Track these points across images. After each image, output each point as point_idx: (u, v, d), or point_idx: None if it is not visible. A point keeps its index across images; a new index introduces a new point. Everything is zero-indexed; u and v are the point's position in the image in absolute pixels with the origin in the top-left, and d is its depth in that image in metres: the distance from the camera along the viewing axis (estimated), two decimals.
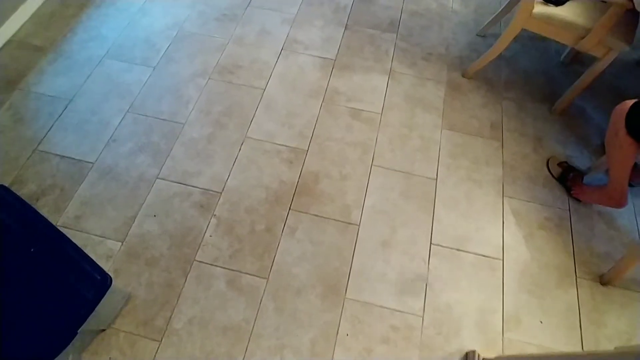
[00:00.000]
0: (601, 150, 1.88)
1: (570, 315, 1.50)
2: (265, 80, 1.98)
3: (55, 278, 1.19)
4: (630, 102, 1.41)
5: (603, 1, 1.62)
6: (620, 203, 1.60)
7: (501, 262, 1.58)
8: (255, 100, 1.91)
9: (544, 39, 1.77)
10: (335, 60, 2.08)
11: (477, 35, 2.24)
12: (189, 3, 2.28)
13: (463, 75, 2.07)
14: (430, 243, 1.60)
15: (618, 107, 1.45)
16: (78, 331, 1.20)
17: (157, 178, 1.68)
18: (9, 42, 2.08)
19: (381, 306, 1.46)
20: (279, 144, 1.79)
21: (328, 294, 1.48)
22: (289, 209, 1.63)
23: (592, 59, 1.74)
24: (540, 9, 1.64)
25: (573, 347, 1.45)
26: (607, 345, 1.46)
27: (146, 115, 1.85)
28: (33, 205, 1.30)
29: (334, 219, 1.62)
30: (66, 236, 1.27)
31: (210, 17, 2.22)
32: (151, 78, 1.97)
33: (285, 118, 1.86)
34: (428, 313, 1.47)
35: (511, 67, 2.12)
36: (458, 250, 1.59)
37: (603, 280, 1.57)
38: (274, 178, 1.70)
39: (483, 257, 1.59)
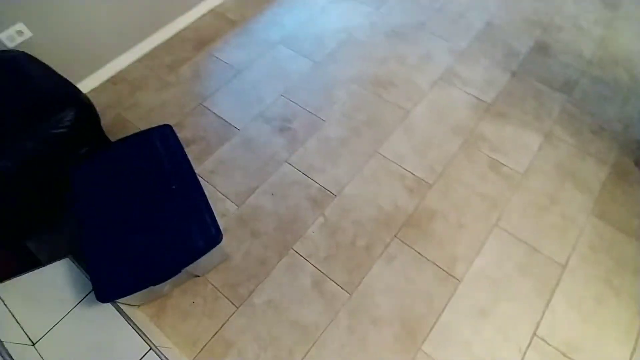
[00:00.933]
0: None
1: None
2: (413, 104, 1.97)
3: (181, 217, 1.36)
4: None
5: None
6: None
7: None
8: (398, 120, 1.92)
9: None
10: (490, 104, 1.96)
11: None
12: (366, 13, 2.38)
13: (636, 164, 1.77)
14: (534, 334, 1.41)
15: None
16: (182, 270, 1.35)
17: (286, 162, 1.80)
18: (211, 11, 2.44)
19: None
20: (406, 169, 1.76)
21: (404, 336, 1.41)
22: (395, 236, 1.60)
23: None
24: None
25: None
26: None
27: (296, 103, 1.99)
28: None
29: (436, 264, 1.53)
30: (201, 186, 1.43)
31: (381, 30, 2.29)
32: (311, 71, 2.12)
33: (421, 146, 1.83)
34: None
35: None
36: (564, 355, 1.37)
37: None
38: (390, 200, 1.68)
39: None
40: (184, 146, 1.52)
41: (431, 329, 1.42)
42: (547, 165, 1.77)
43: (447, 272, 1.52)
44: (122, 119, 1.97)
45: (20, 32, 1.69)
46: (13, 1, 1.62)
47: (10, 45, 1.69)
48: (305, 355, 1.38)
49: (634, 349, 1.38)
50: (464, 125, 1.89)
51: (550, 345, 1.39)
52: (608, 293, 1.48)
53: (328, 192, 1.71)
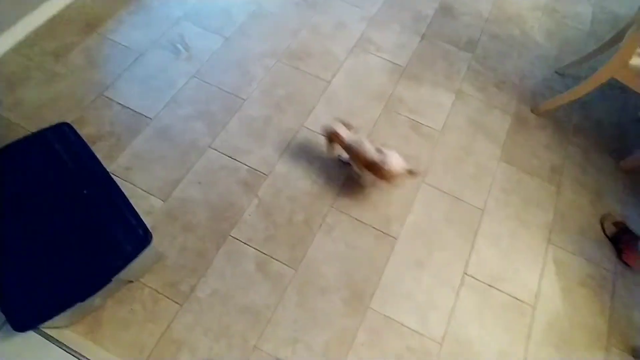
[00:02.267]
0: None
1: None
2: (332, 73, 1.96)
3: (101, 224, 1.23)
4: None
5: None
6: None
7: (532, 308, 1.52)
8: (318, 91, 1.90)
9: (624, 90, 1.67)
10: (405, 68, 2.04)
11: (555, 72, 2.14)
12: None
13: (532, 111, 1.99)
14: (464, 273, 1.56)
15: None
16: (111, 279, 1.23)
17: (209, 147, 1.70)
18: None
19: (402, 324, 1.44)
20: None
21: (352, 299, 1.46)
22: (331, 206, 1.62)
23: None
24: (638, 61, 1.54)
25: None
26: None
27: (210, 84, 1.87)
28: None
29: (373, 227, 1.60)
30: (118, 186, 1.30)
31: (291, 0, 2.22)
32: (222, 48, 1.99)
33: (344, 115, 1.84)
34: (447, 342, 1.43)
35: (584, 113, 2.02)
36: (490, 286, 1.54)
37: (636, 354, 1.49)
38: (322, 173, 1.69)
39: (514, 300, 1.53)
40: (90, 145, 1.36)
41: (376, 287, 1.49)
42: (460, 120, 1.91)
43: (384, 233, 1.59)
44: (7, 123, 1.69)
45: None
46: None
47: None
48: (259, 337, 1.37)
49: (542, 270, 1.60)
50: (383, 90, 1.95)
51: (478, 280, 1.55)
52: (519, 227, 1.68)
53: (259, 173, 1.66)
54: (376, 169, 1.47)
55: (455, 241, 1.61)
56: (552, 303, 1.54)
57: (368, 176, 1.53)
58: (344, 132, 1.51)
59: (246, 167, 1.67)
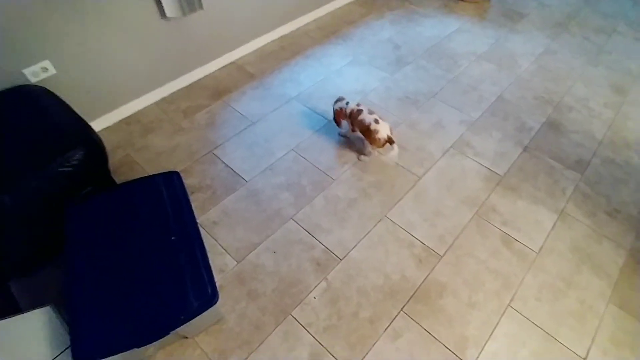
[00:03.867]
0: None
1: None
2: (424, 170, 1.95)
3: (177, 273, 1.27)
4: None
5: None
6: None
7: None
8: (408, 185, 1.89)
9: None
10: (502, 177, 1.94)
11: None
12: (381, 77, 2.46)
13: None
14: None
15: None
16: (170, 332, 1.24)
17: (292, 219, 1.74)
18: (231, 63, 2.52)
19: None
20: (415, 237, 1.70)
21: None
22: (401, 309, 1.49)
23: None
24: None
25: None
26: None
27: (306, 159, 1.98)
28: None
29: (445, 346, 1.41)
30: (202, 241, 1.36)
31: (394, 95, 2.35)
32: (323, 129, 2.13)
33: (431, 214, 1.78)
34: None
35: None
36: None
37: None
38: (398, 269, 1.60)
39: None
40: (189, 193, 1.49)
41: None
42: (562, 246, 1.71)
43: (457, 356, 1.40)
44: (131, 160, 1.95)
45: (45, 69, 1.72)
46: (43, 38, 1.66)
47: (34, 80, 1.71)
48: None
49: None
50: (475, 196, 1.86)
51: None
52: None
53: (333, 255, 1.63)
54: (368, 134, 1.82)
55: None
56: None
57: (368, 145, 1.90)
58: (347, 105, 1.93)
59: (322, 246, 1.66)
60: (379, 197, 1.84)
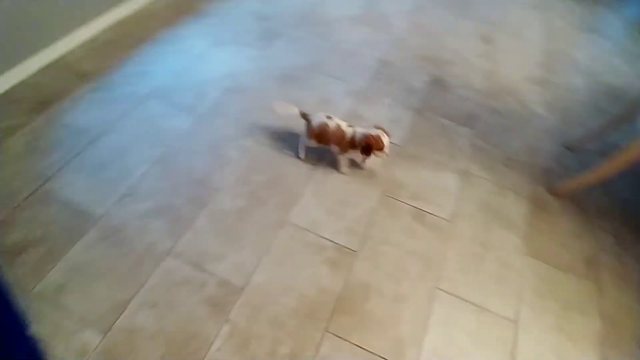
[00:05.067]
0: None
1: None
2: (318, 155, 1.70)
3: None
4: None
5: None
6: None
7: None
8: (305, 177, 1.62)
9: None
10: (401, 146, 1.80)
11: (564, 147, 1.94)
12: (252, 56, 2.10)
13: (549, 191, 1.74)
14: None
15: None
16: None
17: (169, 255, 1.35)
18: (55, 62, 1.90)
19: None
20: (325, 238, 1.45)
21: None
22: (326, 330, 1.25)
23: None
24: None
25: None
26: None
27: (175, 171, 1.57)
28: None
29: (382, 357, 1.22)
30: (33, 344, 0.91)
31: (271, 74, 2.03)
32: (192, 129, 1.72)
33: (336, 206, 1.55)
34: None
35: (607, 192, 1.79)
36: None
37: None
38: (312, 283, 1.34)
39: None
40: (9, 258, 1.00)
41: None
42: (471, 207, 1.64)
43: None
44: None
45: None
46: None
47: None
48: None
49: None
50: (378, 173, 1.68)
51: None
52: (564, 342, 1.33)
53: (231, 287, 1.30)
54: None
55: None
56: None
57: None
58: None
59: (215, 278, 1.31)
60: (275, 198, 1.54)
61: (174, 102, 1.82)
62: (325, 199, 1.56)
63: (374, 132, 1.49)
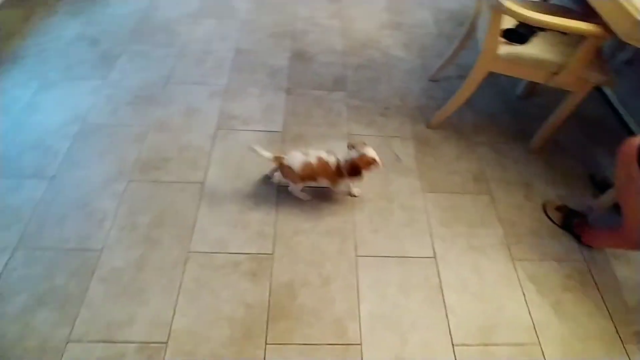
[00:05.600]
0: (591, 182, 1.73)
1: None
2: (202, 171, 1.59)
3: None
4: (637, 141, 1.23)
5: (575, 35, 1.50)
6: (638, 245, 1.40)
7: (539, 346, 1.28)
8: (194, 198, 1.51)
9: (493, 75, 1.60)
10: (282, 132, 1.76)
11: (429, 80, 2.07)
12: (92, 88, 1.86)
13: (428, 127, 1.86)
14: (453, 345, 1.25)
15: (624, 147, 1.27)
16: None
17: (69, 343, 1.17)
18: None
19: None
20: (235, 253, 1.38)
21: None
22: (266, 343, 1.20)
23: (549, 89, 1.59)
24: (505, 49, 1.48)
25: None
26: None
27: (44, 249, 1.35)
28: None
29: (328, 344, 1.21)
30: None
31: (122, 101, 1.82)
32: (48, 193, 1.49)
33: (237, 216, 1.47)
34: None
35: (473, 110, 1.96)
36: (486, 345, 1.26)
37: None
38: (237, 303, 1.27)
39: (518, 347, 1.27)
40: None
41: None
42: None
43: (343, 344, 1.22)
44: None
45: None
46: None
47: None
48: None
49: (524, 294, 1.38)
50: (269, 167, 1.63)
51: (471, 345, 1.25)
52: (478, 257, 1.45)
53: (153, 345, 1.18)
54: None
55: (424, 312, 1.31)
56: (552, 329, 1.31)
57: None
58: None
59: (133, 345, 1.17)
60: (169, 234, 1.41)
61: (15, 170, 1.55)
62: (222, 214, 1.47)
63: (354, 151, 1.39)
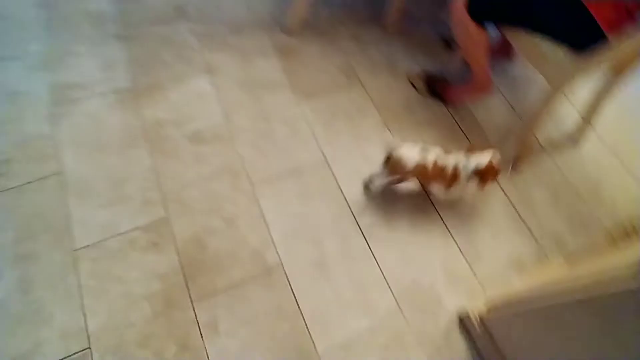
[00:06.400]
0: (443, 44, 1.85)
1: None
2: (54, 161, 1.37)
3: None
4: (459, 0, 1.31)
5: None
6: (488, 88, 1.58)
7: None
8: (57, 193, 1.32)
9: None
10: (132, 86, 1.55)
11: None
12: None
13: (286, 34, 1.76)
14: (360, 227, 1.37)
15: (452, 8, 1.35)
16: None
17: None
18: None
19: (360, 333, 1.21)
20: (127, 231, 1.28)
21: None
22: (192, 303, 1.20)
23: None
24: None
25: None
26: None
27: None
28: None
29: (251, 277, 1.25)
30: None
31: None
32: None
33: (113, 193, 1.34)
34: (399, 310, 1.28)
35: (327, 4, 1.89)
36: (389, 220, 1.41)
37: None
38: (148, 278, 1.22)
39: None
40: None
41: (309, 330, 1.20)
42: (234, 95, 1.58)
43: (265, 272, 1.27)
44: None
45: None
46: None
47: None
48: None
49: None
50: (130, 129, 1.46)
51: (381, 226, 1.38)
52: (365, 146, 1.54)
53: (76, 357, 1.11)
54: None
55: (331, 211, 1.39)
56: None
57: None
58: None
59: None
60: (43, 241, 1.24)
61: None
62: (97, 197, 1.32)
63: (483, 155, 1.25)
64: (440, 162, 1.27)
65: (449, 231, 1.42)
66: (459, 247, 1.39)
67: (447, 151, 1.32)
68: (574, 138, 1.72)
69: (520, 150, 1.55)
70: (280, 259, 1.29)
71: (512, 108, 1.75)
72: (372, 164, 1.48)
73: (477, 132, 1.64)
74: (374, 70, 1.72)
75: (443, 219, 1.43)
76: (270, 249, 1.30)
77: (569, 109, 1.80)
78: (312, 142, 1.51)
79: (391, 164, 1.27)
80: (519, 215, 1.49)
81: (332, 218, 1.38)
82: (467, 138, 1.62)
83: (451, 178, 1.28)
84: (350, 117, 1.59)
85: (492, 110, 1.72)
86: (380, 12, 1.84)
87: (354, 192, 1.43)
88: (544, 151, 1.66)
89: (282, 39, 1.75)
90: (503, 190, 1.53)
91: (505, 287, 1.29)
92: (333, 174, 1.46)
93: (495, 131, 1.67)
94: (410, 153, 1.25)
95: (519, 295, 1.10)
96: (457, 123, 1.65)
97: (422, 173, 1.28)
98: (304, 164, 1.46)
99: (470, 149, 1.32)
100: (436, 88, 1.67)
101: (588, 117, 1.64)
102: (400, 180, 1.39)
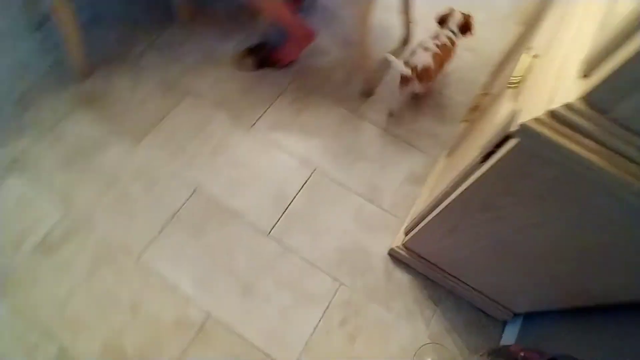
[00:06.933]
0: (239, 13, 1.73)
1: None
2: None
3: None
4: None
5: None
6: (310, 35, 1.54)
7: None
8: None
9: None
10: None
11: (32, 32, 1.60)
12: None
13: (81, 79, 1.51)
14: (269, 236, 1.32)
15: None
16: None
17: None
18: None
19: (316, 326, 1.21)
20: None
21: None
22: (136, 263, 1.08)
23: None
24: None
25: None
26: None
27: None
28: None
29: (188, 344, 1.16)
30: None
31: None
32: None
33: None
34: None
35: (103, 27, 1.64)
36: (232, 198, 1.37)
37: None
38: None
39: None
40: None
41: (266, 354, 1.17)
42: (60, 178, 1.35)
43: (202, 332, 1.18)
44: None
45: None
46: None
47: None
48: None
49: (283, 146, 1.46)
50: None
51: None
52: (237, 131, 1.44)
53: None
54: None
55: (229, 232, 1.31)
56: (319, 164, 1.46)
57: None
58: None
59: None
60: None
61: None
62: None
63: (453, 14, 1.42)
64: (441, 42, 1.39)
65: (344, 187, 1.42)
66: (359, 196, 1.41)
67: (431, 36, 1.42)
68: (405, 39, 1.76)
69: (365, 75, 1.56)
70: (206, 309, 1.20)
71: (344, 39, 1.72)
72: (246, 168, 1.41)
73: (324, 77, 1.61)
74: (196, 73, 1.57)
75: (336, 181, 1.43)
76: (190, 306, 1.20)
77: (390, 15, 1.80)
78: (175, 178, 1.37)
79: (419, 74, 1.33)
80: (394, 136, 1.53)
81: (232, 238, 1.30)
82: (323, 87, 1.58)
83: (453, 46, 1.43)
84: (197, 130, 1.46)
85: (327, 50, 1.68)
86: (167, 13, 1.65)
87: (240, 202, 1.35)
88: (387, 66, 1.68)
89: (78, 88, 1.50)
90: (371, 123, 1.55)
91: (414, 204, 1.35)
92: (210, 195, 1.35)
93: (341, 69, 1.65)
94: (423, 56, 1.35)
95: (421, 208, 1.14)
96: (302, 78, 1.60)
97: (440, 59, 1.38)
98: (176, 203, 1.33)
99: (441, 21, 1.45)
100: (264, 58, 1.58)
101: (405, 9, 1.63)
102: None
